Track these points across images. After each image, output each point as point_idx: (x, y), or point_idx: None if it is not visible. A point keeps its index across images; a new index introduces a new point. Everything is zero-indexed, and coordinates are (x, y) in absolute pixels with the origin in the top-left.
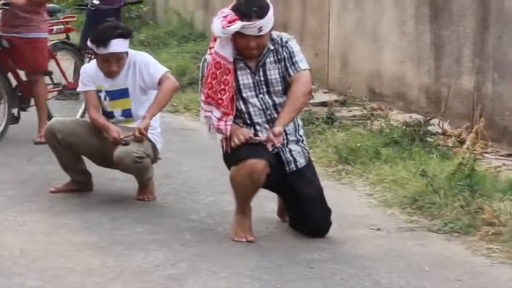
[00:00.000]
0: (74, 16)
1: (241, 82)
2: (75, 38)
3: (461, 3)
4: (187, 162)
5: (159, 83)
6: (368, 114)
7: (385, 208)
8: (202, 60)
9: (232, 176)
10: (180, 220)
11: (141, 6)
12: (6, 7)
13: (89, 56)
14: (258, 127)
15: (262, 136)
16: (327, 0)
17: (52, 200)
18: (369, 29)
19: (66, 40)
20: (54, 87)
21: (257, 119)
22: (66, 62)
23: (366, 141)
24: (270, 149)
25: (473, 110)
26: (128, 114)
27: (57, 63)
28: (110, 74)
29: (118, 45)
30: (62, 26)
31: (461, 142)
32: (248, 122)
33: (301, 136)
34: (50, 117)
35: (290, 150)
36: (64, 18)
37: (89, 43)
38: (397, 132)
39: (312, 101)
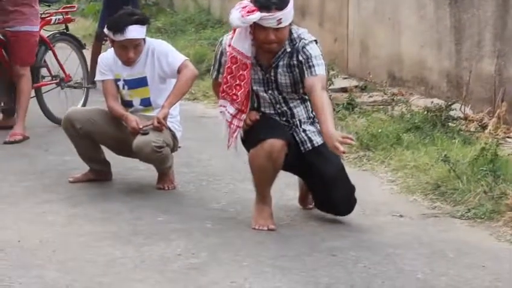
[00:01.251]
0: (73, 6)
1: (252, 76)
2: (93, 26)
3: None
4: (206, 151)
5: (178, 71)
6: (389, 99)
7: (408, 194)
8: (219, 42)
9: (251, 158)
10: (200, 209)
11: None
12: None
13: (105, 40)
14: None
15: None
16: None
17: (71, 190)
18: (388, 13)
19: (65, 31)
20: (51, 80)
21: (266, 110)
22: (65, 53)
23: (387, 127)
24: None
25: (494, 94)
26: (146, 103)
27: (55, 55)
28: (128, 62)
29: (135, 31)
30: (60, 17)
31: (484, 127)
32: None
33: (314, 116)
34: (44, 109)
35: (304, 130)
36: (63, 8)
37: (105, 30)
38: (418, 118)
39: (332, 86)
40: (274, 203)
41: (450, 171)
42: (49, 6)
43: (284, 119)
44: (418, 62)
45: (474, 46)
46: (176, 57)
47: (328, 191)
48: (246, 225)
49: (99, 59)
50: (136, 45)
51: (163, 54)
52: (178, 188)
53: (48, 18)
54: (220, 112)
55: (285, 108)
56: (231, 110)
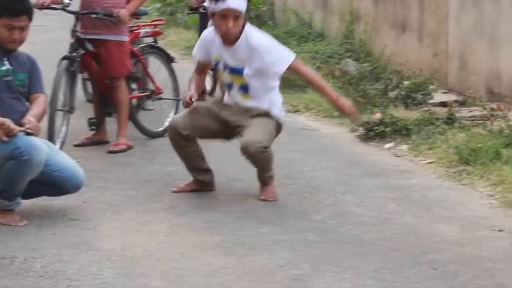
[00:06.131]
0: (162, 19)
1: None
2: (195, 37)
3: None
4: (308, 163)
5: (290, 68)
6: (487, 114)
7: (507, 209)
8: None
9: None
10: (302, 220)
11: (260, 6)
12: (95, 15)
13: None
14: None
15: None
16: (444, 0)
17: (174, 199)
18: (488, 28)
19: (154, 44)
20: (141, 93)
21: None
22: (154, 66)
23: (487, 141)
24: None
25: None
26: (245, 89)
27: (145, 68)
28: (227, 33)
29: (236, 1)
30: (149, 30)
31: None
32: None
33: None
34: (137, 123)
35: None
36: (152, 21)
37: (206, 3)
38: None
39: (431, 101)
40: (376, 216)
41: None
42: (138, 18)
43: None
44: None
45: None
46: (282, 58)
47: None
48: (347, 238)
49: (201, 36)
50: (237, 16)
51: (267, 52)
52: (280, 199)
53: (137, 31)
54: None
55: None
56: None
